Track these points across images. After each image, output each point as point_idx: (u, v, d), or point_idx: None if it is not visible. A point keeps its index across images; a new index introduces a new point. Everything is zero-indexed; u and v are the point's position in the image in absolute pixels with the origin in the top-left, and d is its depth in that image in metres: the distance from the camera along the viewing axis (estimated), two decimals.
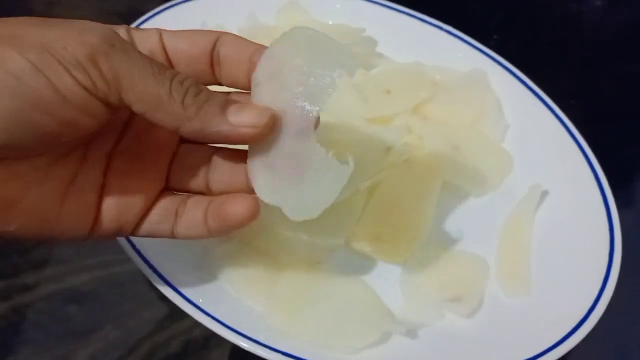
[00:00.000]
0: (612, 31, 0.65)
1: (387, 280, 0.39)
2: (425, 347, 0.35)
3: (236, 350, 0.31)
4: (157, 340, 0.37)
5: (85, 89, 0.24)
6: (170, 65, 0.29)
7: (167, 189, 0.31)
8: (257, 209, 0.29)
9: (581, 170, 0.43)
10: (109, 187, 0.29)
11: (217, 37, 0.29)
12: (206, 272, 0.36)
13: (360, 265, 0.40)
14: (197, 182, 0.31)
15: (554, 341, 0.34)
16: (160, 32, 0.29)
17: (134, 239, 0.34)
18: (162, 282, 0.34)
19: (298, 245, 0.38)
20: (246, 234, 0.38)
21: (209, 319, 0.32)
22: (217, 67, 0.29)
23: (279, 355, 0.32)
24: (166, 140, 0.31)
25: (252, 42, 0.29)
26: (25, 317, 0.38)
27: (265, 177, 0.29)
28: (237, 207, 0.29)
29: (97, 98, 0.24)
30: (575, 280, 0.38)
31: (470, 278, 0.39)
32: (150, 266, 0.34)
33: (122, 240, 0.34)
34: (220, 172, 0.30)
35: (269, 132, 0.28)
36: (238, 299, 0.36)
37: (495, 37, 0.59)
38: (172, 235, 0.30)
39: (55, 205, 0.27)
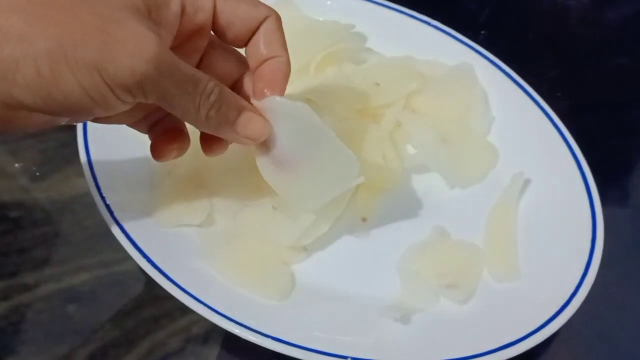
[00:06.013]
0: (599, 25, 0.66)
1: (383, 267, 0.40)
2: (416, 330, 0.36)
3: (228, 344, 0.31)
4: (156, 338, 0.38)
5: (126, 103, 0.28)
6: (215, 28, 0.32)
7: None
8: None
9: (565, 160, 0.44)
10: None
11: (264, 19, 0.32)
12: (195, 261, 0.37)
13: (353, 250, 0.41)
14: None
15: (536, 325, 0.35)
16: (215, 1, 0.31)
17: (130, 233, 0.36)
18: (159, 274, 0.35)
19: (285, 231, 0.39)
20: (233, 222, 0.39)
21: (204, 307, 0.34)
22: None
23: (269, 340, 0.33)
24: None
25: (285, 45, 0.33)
26: (24, 317, 0.38)
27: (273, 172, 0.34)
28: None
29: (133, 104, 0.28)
30: (559, 265, 0.39)
31: (467, 265, 0.40)
32: (145, 256, 0.35)
33: (117, 232, 0.35)
34: None
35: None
36: (228, 287, 0.36)
37: (483, 32, 0.60)
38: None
39: None
